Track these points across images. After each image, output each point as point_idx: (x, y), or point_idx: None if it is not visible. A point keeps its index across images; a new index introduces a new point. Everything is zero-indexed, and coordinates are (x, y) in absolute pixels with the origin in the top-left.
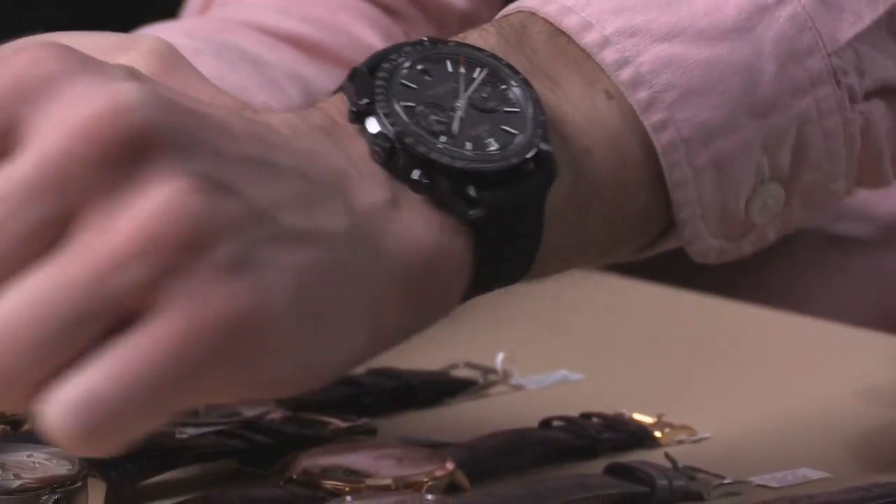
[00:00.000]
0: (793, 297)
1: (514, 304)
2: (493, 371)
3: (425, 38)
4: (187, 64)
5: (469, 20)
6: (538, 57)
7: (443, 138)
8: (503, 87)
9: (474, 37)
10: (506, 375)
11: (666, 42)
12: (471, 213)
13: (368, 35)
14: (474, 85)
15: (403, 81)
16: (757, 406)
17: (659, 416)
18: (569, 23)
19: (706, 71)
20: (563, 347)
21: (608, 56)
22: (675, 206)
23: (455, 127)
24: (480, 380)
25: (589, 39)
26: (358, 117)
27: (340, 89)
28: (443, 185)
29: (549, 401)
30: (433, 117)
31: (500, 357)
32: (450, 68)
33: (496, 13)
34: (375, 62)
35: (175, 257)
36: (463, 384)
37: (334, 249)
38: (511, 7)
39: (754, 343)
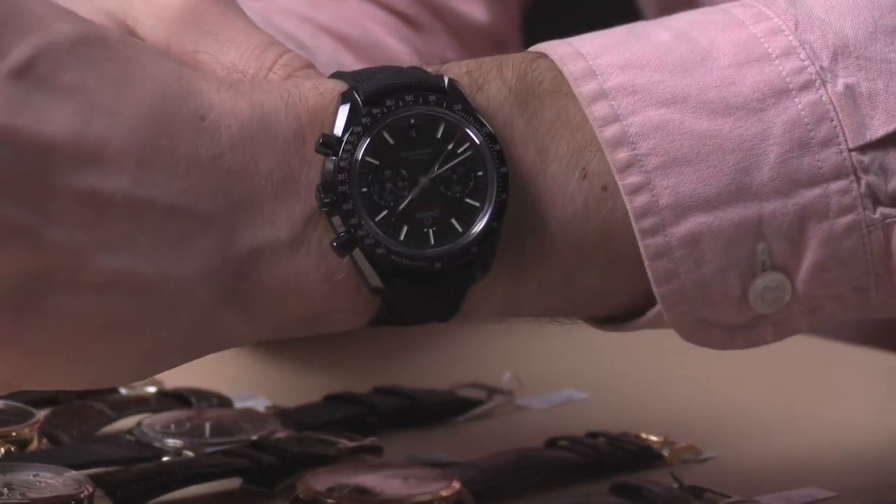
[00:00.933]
0: None
1: (519, 322)
2: (498, 390)
3: (434, 95)
4: (230, 1)
5: (490, 34)
6: (537, 120)
7: (383, 213)
8: (479, 174)
9: (494, 86)
10: (511, 394)
11: (665, 107)
12: (374, 287)
13: (392, 41)
14: (451, 163)
15: (385, 134)
16: (763, 425)
17: (665, 436)
18: (573, 68)
19: (699, 143)
20: (569, 366)
21: (598, 110)
22: (653, 280)
23: (402, 205)
24: (486, 399)
25: (585, 89)
26: (323, 147)
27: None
28: (358, 257)
29: (554, 420)
30: (389, 184)
31: (506, 376)
32: (439, 135)
33: (516, 28)
34: (375, 95)
35: None
36: (469, 403)
37: (140, 298)
38: (540, 46)
39: (759, 362)
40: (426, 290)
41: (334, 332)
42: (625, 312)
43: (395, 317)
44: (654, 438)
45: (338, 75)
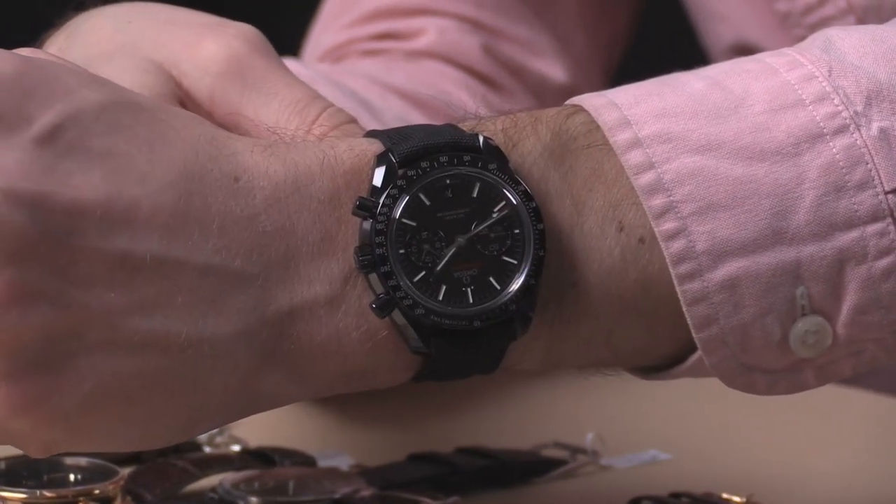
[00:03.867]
0: (872, 376)
1: (604, 382)
2: (582, 450)
3: (468, 154)
4: (273, 54)
5: (568, 93)
6: (574, 176)
7: (420, 274)
8: (516, 231)
9: (529, 143)
10: (595, 454)
11: (699, 154)
12: (415, 348)
13: (468, 101)
14: (488, 223)
15: (421, 196)
16: (847, 487)
17: (749, 496)
18: (607, 118)
19: (735, 188)
20: (652, 426)
21: (633, 158)
22: (693, 326)
23: (440, 265)
24: (569, 459)
25: (620, 138)
26: (360, 210)
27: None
28: (397, 317)
29: (638, 480)
30: (426, 245)
31: (589, 436)
32: (475, 194)
33: (595, 89)
34: (410, 156)
35: None
36: (552, 463)
37: (177, 359)
38: (575, 99)
39: (846, 424)
40: (467, 349)
41: (378, 388)
42: (667, 361)
43: (437, 375)
44: (736, 499)
45: (372, 134)
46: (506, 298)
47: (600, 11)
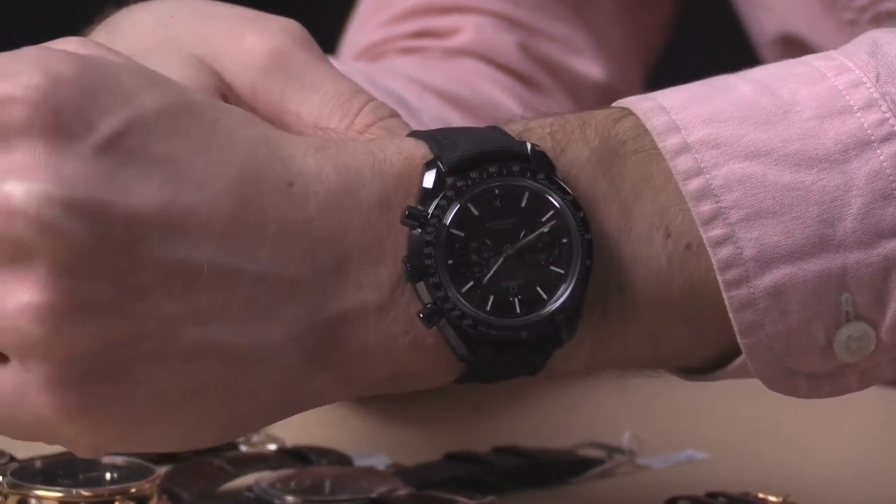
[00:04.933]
0: None
1: (640, 382)
2: (618, 450)
3: (517, 164)
4: (316, 48)
5: (606, 91)
6: (622, 181)
7: (469, 284)
8: (564, 241)
9: (577, 148)
10: (631, 454)
11: (748, 160)
12: (461, 355)
13: (504, 100)
14: (535, 234)
15: (470, 206)
16: (885, 489)
17: (785, 496)
18: (656, 123)
19: (783, 195)
20: (689, 426)
21: (682, 164)
22: (738, 332)
23: (488, 276)
24: (606, 459)
25: (668, 143)
26: (409, 220)
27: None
28: (445, 328)
29: (674, 480)
30: (474, 255)
31: (625, 436)
32: (523, 204)
33: (636, 84)
34: (459, 166)
35: (17, 358)
36: (589, 463)
37: (230, 366)
38: (623, 102)
39: (884, 424)
40: (513, 356)
41: (421, 389)
42: (710, 364)
43: (482, 378)
44: (773, 499)
45: (417, 135)
46: (553, 308)
47: (638, 6)
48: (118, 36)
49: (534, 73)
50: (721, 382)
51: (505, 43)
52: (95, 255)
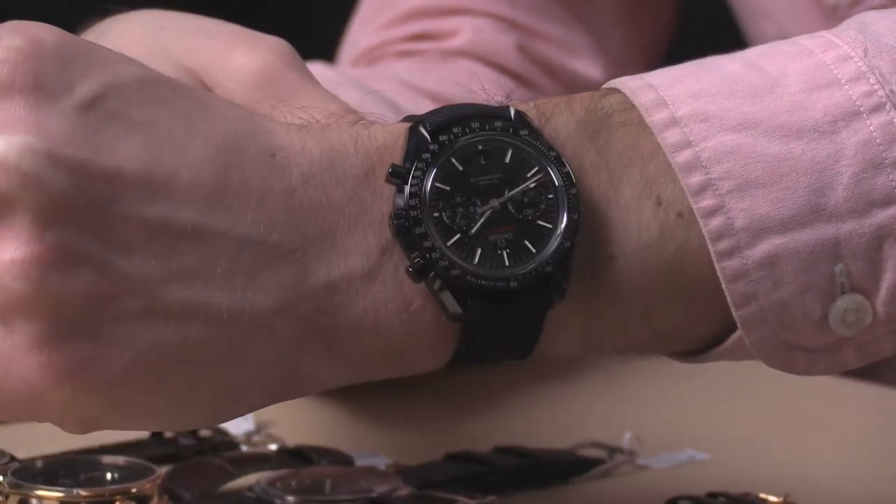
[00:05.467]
0: None
1: (641, 381)
2: (619, 450)
3: (500, 121)
4: (305, 68)
5: None
6: (609, 150)
7: (455, 237)
8: (549, 196)
9: (563, 118)
10: (632, 454)
11: (736, 132)
12: (452, 313)
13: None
14: (521, 187)
15: (453, 159)
16: (885, 489)
17: (786, 497)
18: (644, 99)
19: (772, 165)
20: (690, 426)
21: (670, 137)
22: (732, 304)
23: (475, 227)
24: (607, 459)
25: (657, 118)
26: (393, 177)
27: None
28: (434, 282)
29: (675, 480)
30: (460, 209)
31: (626, 436)
32: (507, 160)
33: None
34: (441, 125)
35: (1, 322)
36: (589, 463)
37: (216, 330)
38: (612, 82)
39: (885, 425)
40: (504, 314)
41: (419, 372)
42: (706, 344)
43: (476, 349)
44: (773, 499)
45: (406, 119)
46: (542, 260)
47: (639, 9)
48: (105, 44)
49: (532, 75)
50: (722, 382)
51: (503, 44)
52: (78, 209)
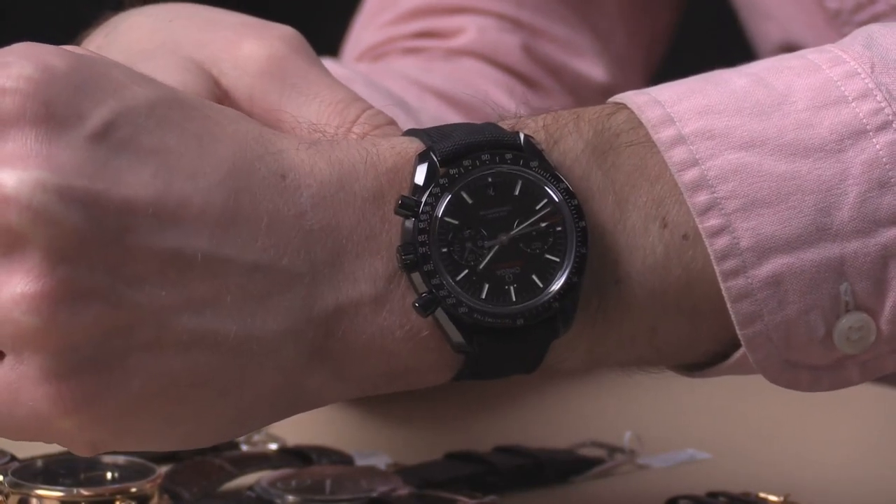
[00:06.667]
0: None
1: (641, 381)
2: (619, 449)
3: (510, 153)
4: (314, 56)
5: (608, 93)
6: (616, 172)
7: (463, 273)
8: (558, 229)
9: (571, 140)
10: (632, 454)
11: (743, 150)
12: (457, 344)
13: (505, 101)
14: (530, 220)
15: (463, 194)
16: (886, 489)
17: (786, 496)
18: (650, 115)
19: (778, 185)
20: (690, 426)
21: (676, 155)
22: (737, 322)
23: (483, 263)
24: (607, 458)
25: (663, 135)
26: (402, 209)
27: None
28: (441, 316)
29: (675, 479)
30: (468, 244)
31: (627, 435)
32: (517, 192)
33: (636, 88)
34: (451, 155)
35: (11, 351)
36: (589, 462)
37: (226, 357)
38: (617, 97)
39: (885, 425)
40: (509, 346)
41: (420, 388)
42: (710, 358)
43: (479, 373)
44: (773, 498)
45: (412, 132)
46: (548, 296)
47: (642, 10)
48: (116, 38)
49: (536, 75)
50: (722, 382)
51: (508, 44)
52: (89, 242)
